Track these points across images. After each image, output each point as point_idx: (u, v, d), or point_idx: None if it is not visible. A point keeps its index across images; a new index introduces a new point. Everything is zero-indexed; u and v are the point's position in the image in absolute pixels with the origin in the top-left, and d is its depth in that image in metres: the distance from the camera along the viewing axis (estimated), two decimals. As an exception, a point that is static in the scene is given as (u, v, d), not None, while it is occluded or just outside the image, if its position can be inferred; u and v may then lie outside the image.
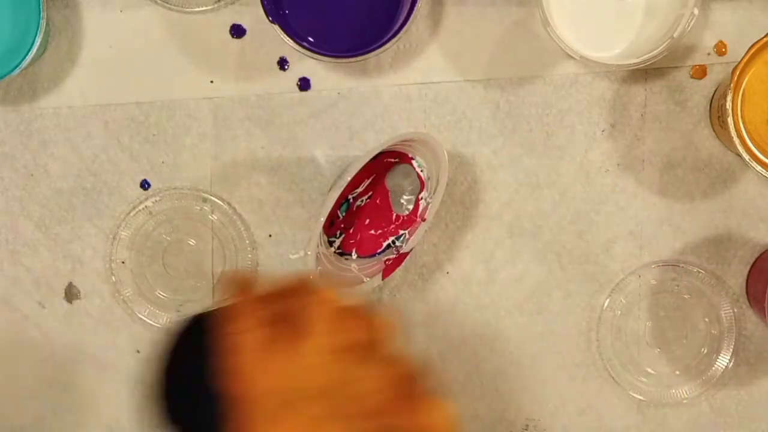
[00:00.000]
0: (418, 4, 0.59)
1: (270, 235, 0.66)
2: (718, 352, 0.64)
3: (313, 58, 0.60)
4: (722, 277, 0.65)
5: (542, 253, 0.66)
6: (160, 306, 0.65)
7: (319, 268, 0.59)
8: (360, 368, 0.39)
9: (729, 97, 0.57)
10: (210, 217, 0.65)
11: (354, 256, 0.63)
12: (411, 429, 0.37)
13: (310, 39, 0.61)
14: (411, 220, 0.64)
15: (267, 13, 0.59)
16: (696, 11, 0.58)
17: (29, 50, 0.61)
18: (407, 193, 0.64)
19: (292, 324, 0.40)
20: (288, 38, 0.59)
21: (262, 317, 0.40)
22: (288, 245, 0.66)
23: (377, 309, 0.41)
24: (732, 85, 0.56)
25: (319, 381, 0.38)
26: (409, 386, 0.39)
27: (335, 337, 0.39)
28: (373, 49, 0.59)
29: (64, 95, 0.65)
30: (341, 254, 0.63)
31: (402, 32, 0.59)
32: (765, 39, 0.57)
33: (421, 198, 0.63)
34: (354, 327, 0.40)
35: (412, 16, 0.59)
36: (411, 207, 0.64)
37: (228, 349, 0.39)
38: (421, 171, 0.64)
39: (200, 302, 0.66)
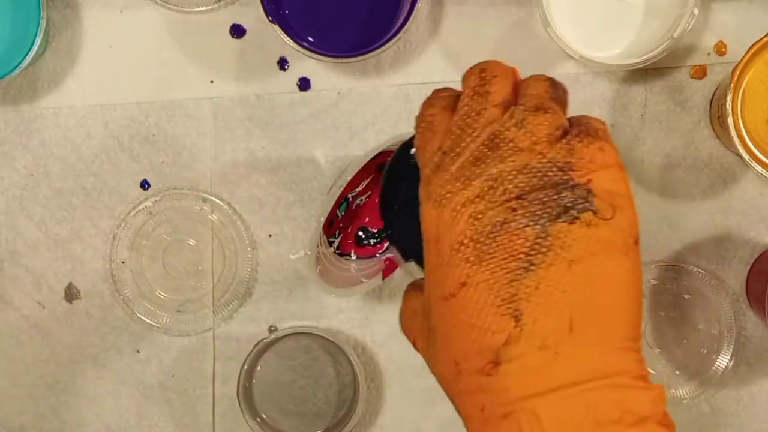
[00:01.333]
0: (418, 5, 0.59)
1: (270, 235, 0.66)
2: (718, 352, 0.64)
3: (313, 58, 0.60)
4: (722, 277, 0.65)
5: (542, 253, 0.65)
6: (160, 306, 0.65)
7: (319, 267, 0.59)
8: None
9: (729, 97, 0.57)
10: (210, 217, 0.65)
11: (353, 257, 0.63)
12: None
13: (310, 39, 0.61)
14: None
15: (267, 12, 0.59)
16: (696, 11, 0.58)
17: (29, 50, 0.61)
18: None
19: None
20: (288, 38, 0.59)
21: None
22: (288, 245, 0.66)
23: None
24: (732, 85, 0.56)
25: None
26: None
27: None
28: (373, 49, 0.59)
29: (64, 95, 0.65)
30: (341, 255, 0.63)
31: (402, 32, 0.59)
32: (765, 39, 0.57)
33: None
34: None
35: (412, 16, 0.59)
36: None
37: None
38: None
39: (200, 302, 0.66)
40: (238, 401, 0.63)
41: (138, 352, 0.66)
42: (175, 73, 0.65)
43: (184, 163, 0.65)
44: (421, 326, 0.39)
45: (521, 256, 0.34)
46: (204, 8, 0.64)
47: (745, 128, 0.57)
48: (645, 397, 0.35)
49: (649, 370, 0.66)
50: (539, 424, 0.33)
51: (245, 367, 0.63)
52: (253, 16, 0.64)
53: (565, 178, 0.35)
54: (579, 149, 0.36)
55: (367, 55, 0.59)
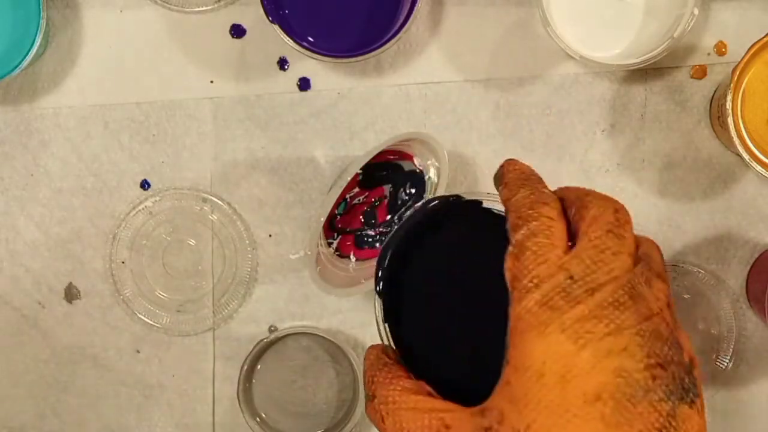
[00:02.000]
0: (418, 5, 0.59)
1: (270, 235, 0.66)
2: (718, 352, 0.64)
3: (313, 58, 0.60)
4: (722, 277, 0.65)
5: (542, 253, 0.66)
6: (160, 306, 0.65)
7: (318, 267, 0.59)
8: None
9: (729, 97, 0.57)
10: (210, 217, 0.65)
11: (353, 258, 0.63)
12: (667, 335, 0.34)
13: (310, 39, 0.61)
14: None
15: (267, 12, 0.59)
16: (696, 11, 0.58)
17: (29, 50, 0.61)
18: (404, 194, 0.64)
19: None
20: (288, 38, 0.59)
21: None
22: (288, 245, 0.66)
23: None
24: (732, 85, 0.56)
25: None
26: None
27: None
28: (373, 49, 0.59)
29: (64, 95, 0.65)
30: (340, 256, 0.64)
31: (402, 32, 0.59)
32: (765, 39, 0.57)
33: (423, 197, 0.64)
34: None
35: (412, 17, 0.59)
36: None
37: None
38: (421, 169, 0.64)
39: (200, 302, 0.66)
40: (238, 401, 0.63)
41: (138, 352, 0.66)
42: (175, 73, 0.65)
43: (184, 163, 0.65)
44: None
45: (654, 431, 0.32)
46: (204, 8, 0.64)
47: (745, 128, 0.57)
48: None
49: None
50: None
51: (245, 367, 0.63)
52: (253, 16, 0.64)
53: (679, 356, 0.34)
54: (678, 331, 0.35)
55: (367, 55, 0.59)
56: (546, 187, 0.39)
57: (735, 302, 0.64)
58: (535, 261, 0.35)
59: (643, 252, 0.37)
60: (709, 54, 0.64)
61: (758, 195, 0.65)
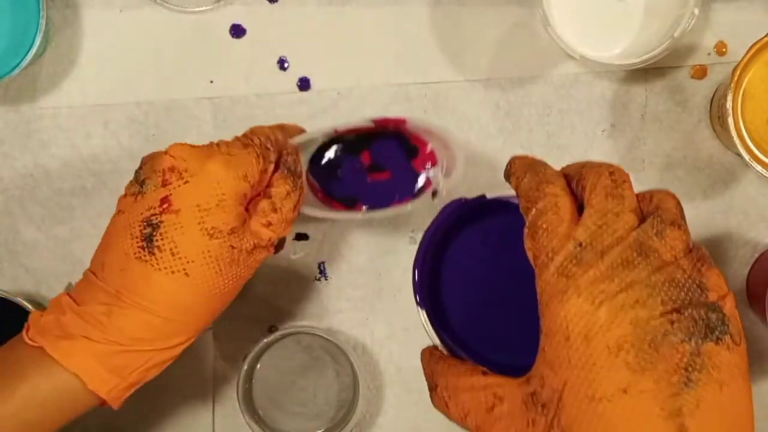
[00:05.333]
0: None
1: (270, 235, 0.66)
2: (718, 352, 0.64)
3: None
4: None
5: (542, 253, 0.66)
6: (160, 306, 0.65)
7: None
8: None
9: (729, 97, 0.57)
10: (210, 217, 0.65)
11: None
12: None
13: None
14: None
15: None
16: (696, 11, 0.58)
17: (29, 50, 0.61)
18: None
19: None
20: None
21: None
22: (288, 245, 0.66)
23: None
24: (732, 85, 0.56)
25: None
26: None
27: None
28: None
29: (64, 95, 0.65)
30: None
31: None
32: (765, 39, 0.57)
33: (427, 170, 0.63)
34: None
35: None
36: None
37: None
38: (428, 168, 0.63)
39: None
40: (238, 401, 0.63)
41: (138, 352, 0.66)
42: (175, 72, 0.65)
43: (184, 163, 0.65)
44: (515, 414, 0.38)
45: (681, 371, 0.34)
46: (204, 8, 0.64)
47: (745, 128, 0.57)
48: None
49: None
50: None
51: (245, 367, 0.63)
52: (253, 16, 0.64)
53: (703, 297, 0.36)
54: (705, 271, 0.37)
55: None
56: (550, 168, 0.42)
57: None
58: (548, 237, 0.38)
59: (654, 205, 0.39)
60: (709, 54, 0.64)
61: (758, 195, 0.65)
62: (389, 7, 0.65)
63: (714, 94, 0.64)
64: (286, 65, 0.65)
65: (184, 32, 0.65)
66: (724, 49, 0.64)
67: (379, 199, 0.64)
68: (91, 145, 0.66)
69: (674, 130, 0.65)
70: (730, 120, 0.57)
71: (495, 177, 0.65)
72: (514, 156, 0.44)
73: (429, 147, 0.63)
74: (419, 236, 0.65)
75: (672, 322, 0.35)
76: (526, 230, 0.39)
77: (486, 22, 0.65)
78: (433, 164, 0.63)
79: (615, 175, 0.40)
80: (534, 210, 0.39)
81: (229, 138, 0.54)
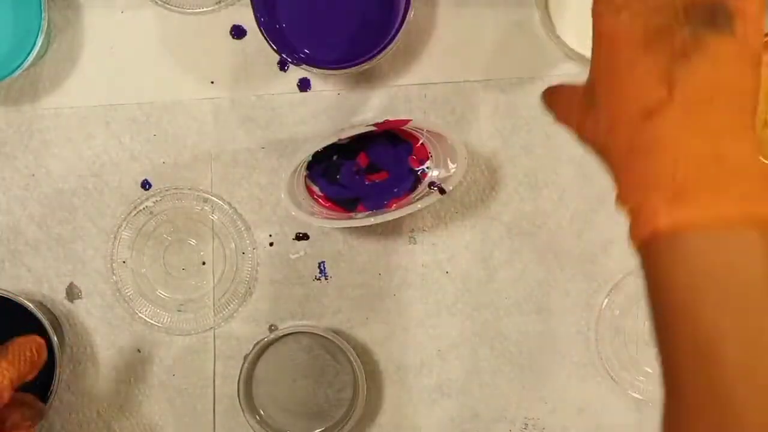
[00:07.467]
0: (409, 15, 0.59)
1: (270, 235, 0.66)
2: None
3: (307, 70, 0.60)
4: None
5: (541, 252, 0.66)
6: (161, 305, 0.66)
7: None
8: None
9: (727, 98, 0.57)
10: (210, 217, 0.66)
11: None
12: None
13: (306, 51, 0.61)
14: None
15: (260, 25, 0.59)
16: (695, 12, 0.58)
17: (31, 51, 0.61)
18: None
19: None
20: (277, 54, 0.60)
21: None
22: (288, 245, 0.66)
23: None
24: (730, 85, 0.56)
25: None
26: None
27: None
28: (369, 58, 0.59)
29: (66, 96, 0.66)
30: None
31: (394, 43, 0.59)
32: (765, 39, 0.57)
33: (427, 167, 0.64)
34: None
35: (405, 24, 0.59)
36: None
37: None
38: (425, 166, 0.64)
39: (201, 302, 0.66)
40: (239, 400, 0.63)
41: (139, 351, 0.66)
42: (175, 73, 0.65)
43: (184, 163, 0.66)
44: (579, 103, 0.47)
45: (678, 50, 0.40)
46: (204, 9, 0.65)
47: (743, 128, 0.57)
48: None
49: (647, 369, 0.66)
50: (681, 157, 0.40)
51: (245, 367, 0.63)
52: (253, 17, 0.65)
53: None
54: None
55: (360, 66, 0.59)
56: None
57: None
58: None
59: None
60: (708, 54, 0.64)
61: (757, 195, 0.65)
62: (389, 8, 0.65)
63: (713, 95, 0.64)
64: (286, 66, 0.65)
65: (185, 33, 0.65)
66: (722, 50, 0.64)
67: (380, 199, 0.64)
68: (93, 146, 0.66)
69: (673, 131, 0.65)
70: (729, 120, 0.57)
71: (494, 177, 0.65)
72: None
73: (420, 141, 0.63)
74: (419, 236, 0.66)
75: (677, 14, 0.40)
76: None
77: (485, 22, 0.65)
78: (426, 158, 0.64)
79: None
80: None
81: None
